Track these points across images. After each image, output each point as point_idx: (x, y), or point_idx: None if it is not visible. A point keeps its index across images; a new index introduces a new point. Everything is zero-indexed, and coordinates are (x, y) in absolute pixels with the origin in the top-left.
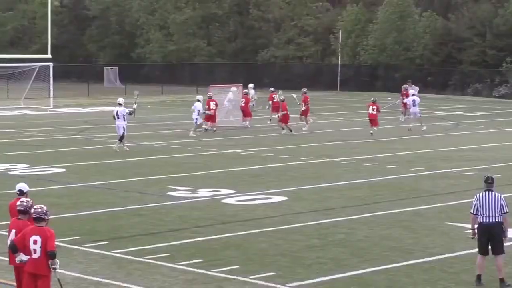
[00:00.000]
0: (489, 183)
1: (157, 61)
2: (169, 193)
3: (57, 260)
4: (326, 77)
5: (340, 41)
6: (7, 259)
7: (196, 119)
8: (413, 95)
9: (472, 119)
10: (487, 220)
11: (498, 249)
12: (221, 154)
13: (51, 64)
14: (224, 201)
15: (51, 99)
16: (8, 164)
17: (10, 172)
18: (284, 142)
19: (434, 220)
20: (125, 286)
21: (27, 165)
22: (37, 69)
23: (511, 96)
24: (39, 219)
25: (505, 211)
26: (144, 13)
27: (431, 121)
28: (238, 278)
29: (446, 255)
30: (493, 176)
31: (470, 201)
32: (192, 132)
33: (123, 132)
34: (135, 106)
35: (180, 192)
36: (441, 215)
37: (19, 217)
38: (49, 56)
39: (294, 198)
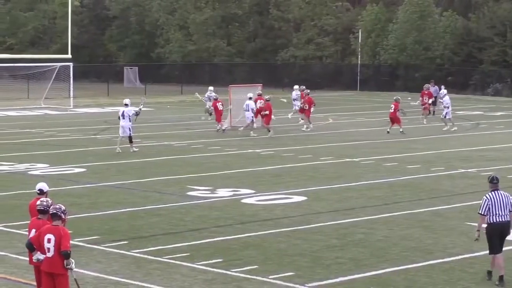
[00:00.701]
0: (494, 183)
1: (177, 61)
2: (189, 193)
3: (72, 260)
4: (346, 77)
5: (360, 41)
6: (27, 259)
7: (252, 117)
8: (445, 95)
9: (493, 119)
10: (500, 220)
11: (502, 247)
12: (240, 154)
13: (71, 64)
14: (244, 201)
15: (71, 99)
16: (28, 164)
17: (30, 172)
18: (304, 142)
19: (454, 220)
20: (144, 286)
21: (47, 165)
22: (57, 69)
23: None
24: (55, 215)
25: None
26: (164, 13)
27: (452, 120)
28: (257, 278)
29: (466, 255)
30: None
31: None
32: (242, 129)
33: (130, 133)
34: (141, 107)
35: (199, 192)
36: (461, 215)
37: (39, 216)
38: (69, 56)
39: (313, 198)
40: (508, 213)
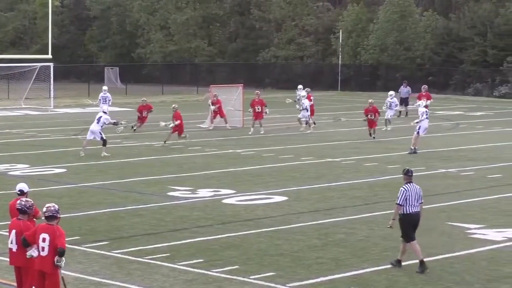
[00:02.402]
0: (409, 175)
1: (158, 61)
2: (170, 193)
3: (63, 259)
4: (327, 77)
5: (340, 41)
6: (8, 259)
7: (308, 116)
8: (394, 97)
9: (473, 119)
10: (414, 210)
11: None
12: (221, 154)
13: (51, 64)
14: (224, 201)
15: (52, 99)
16: (8, 165)
17: (10, 173)
18: (284, 142)
19: (434, 220)
20: (125, 286)
21: (28, 166)
22: (37, 69)
23: (511, 96)
24: (52, 217)
25: (422, 201)
26: (144, 13)
27: (432, 121)
28: (238, 278)
29: (446, 255)
30: (413, 168)
31: (470, 201)
32: (303, 128)
33: (102, 137)
34: (120, 125)
35: (180, 192)
36: (441, 215)
37: (19, 217)
38: (49, 56)
39: (294, 198)
40: (418, 204)
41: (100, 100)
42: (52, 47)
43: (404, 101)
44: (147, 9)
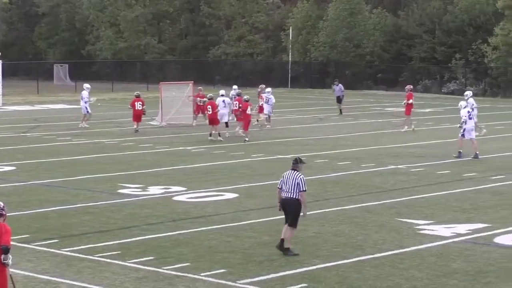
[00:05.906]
0: (293, 163)
1: (108, 58)
2: (120, 190)
3: (10, 256)
4: (277, 74)
5: (290, 38)
6: None
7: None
8: (465, 107)
9: (422, 116)
10: (285, 195)
11: (291, 222)
12: (171, 152)
13: (0, 61)
14: (175, 198)
15: (0, 96)
16: None
17: None
18: (235, 139)
19: (384, 217)
20: (75, 284)
21: None
22: None
23: (460, 92)
24: None
25: (302, 189)
26: (94, 10)
27: (382, 117)
28: (189, 275)
29: (396, 251)
30: (300, 157)
31: (419, 197)
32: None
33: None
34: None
35: (130, 189)
36: (391, 211)
37: None
38: None
39: (245, 195)
40: (293, 191)
41: (87, 98)
42: (0, 44)
43: (338, 99)
44: (97, 6)
